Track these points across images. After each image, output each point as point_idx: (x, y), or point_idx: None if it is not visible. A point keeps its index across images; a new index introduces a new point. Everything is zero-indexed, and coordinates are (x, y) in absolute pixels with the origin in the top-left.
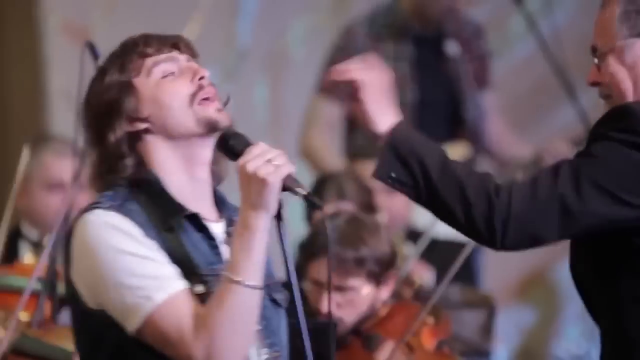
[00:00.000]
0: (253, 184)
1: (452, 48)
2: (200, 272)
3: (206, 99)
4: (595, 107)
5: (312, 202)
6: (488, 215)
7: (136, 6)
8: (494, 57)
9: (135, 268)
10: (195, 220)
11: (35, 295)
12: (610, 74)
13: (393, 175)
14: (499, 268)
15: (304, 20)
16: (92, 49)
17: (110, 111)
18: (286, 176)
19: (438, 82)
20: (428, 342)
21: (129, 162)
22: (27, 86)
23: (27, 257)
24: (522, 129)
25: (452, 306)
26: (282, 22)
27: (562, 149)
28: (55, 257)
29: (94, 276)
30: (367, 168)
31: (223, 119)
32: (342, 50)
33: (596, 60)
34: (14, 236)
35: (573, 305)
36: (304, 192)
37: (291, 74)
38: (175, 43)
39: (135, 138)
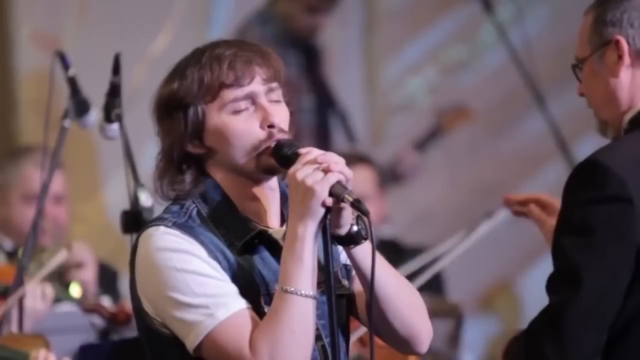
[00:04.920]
0: (301, 192)
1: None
2: (269, 292)
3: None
4: (565, 117)
5: (360, 209)
6: None
7: (107, 16)
8: (465, 66)
9: (197, 287)
10: (264, 236)
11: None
12: (585, 86)
13: None
14: (465, 278)
15: None
16: (63, 59)
17: (176, 123)
18: (334, 184)
19: (319, 87)
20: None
21: (188, 178)
22: None
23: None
24: (492, 138)
25: None
26: None
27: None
28: (25, 266)
29: (156, 294)
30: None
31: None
32: None
33: (578, 72)
34: None
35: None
36: (351, 199)
37: None
38: (260, 64)
39: (195, 157)
